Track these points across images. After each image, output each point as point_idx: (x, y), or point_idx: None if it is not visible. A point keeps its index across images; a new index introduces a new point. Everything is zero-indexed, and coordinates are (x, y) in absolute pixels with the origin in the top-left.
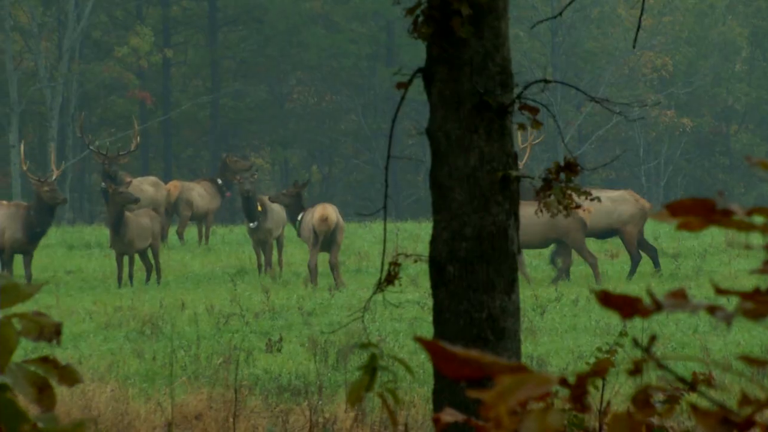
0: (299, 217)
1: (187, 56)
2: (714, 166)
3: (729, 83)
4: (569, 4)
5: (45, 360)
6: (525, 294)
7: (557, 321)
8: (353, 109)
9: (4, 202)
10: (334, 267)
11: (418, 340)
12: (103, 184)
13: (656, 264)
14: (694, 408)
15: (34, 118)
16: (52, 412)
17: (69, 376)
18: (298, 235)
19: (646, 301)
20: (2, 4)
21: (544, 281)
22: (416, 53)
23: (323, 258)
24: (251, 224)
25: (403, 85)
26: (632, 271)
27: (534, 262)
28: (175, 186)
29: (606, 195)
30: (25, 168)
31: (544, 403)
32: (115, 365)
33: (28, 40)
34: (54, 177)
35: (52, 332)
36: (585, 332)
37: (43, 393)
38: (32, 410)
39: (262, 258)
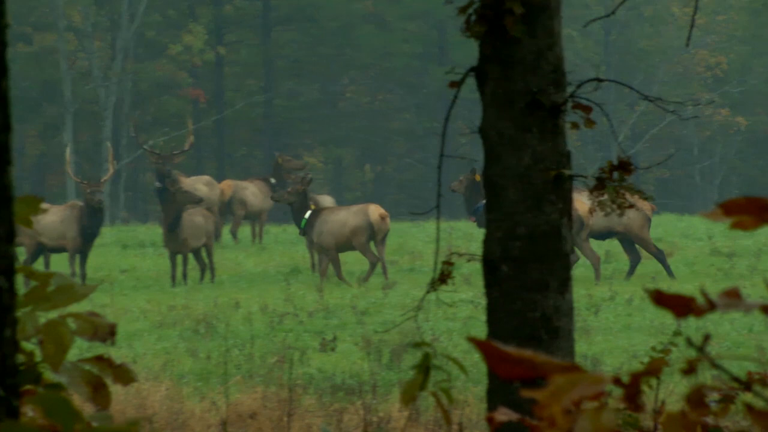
0: (306, 216)
1: (240, 55)
2: None
3: None
4: (622, 2)
5: (100, 359)
6: (579, 293)
7: (611, 320)
8: (406, 108)
9: (58, 206)
10: (383, 263)
11: (471, 340)
12: (157, 183)
13: (631, 272)
14: (749, 408)
15: (88, 117)
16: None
17: (123, 374)
18: (302, 234)
19: (700, 300)
20: (56, 3)
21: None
22: (469, 52)
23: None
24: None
25: (456, 84)
26: (668, 271)
27: (588, 261)
28: (228, 185)
29: None
30: (69, 170)
31: (598, 402)
32: (169, 364)
33: (82, 40)
34: (107, 176)
35: (106, 333)
36: (639, 331)
37: (98, 392)
38: (87, 409)
39: (316, 257)
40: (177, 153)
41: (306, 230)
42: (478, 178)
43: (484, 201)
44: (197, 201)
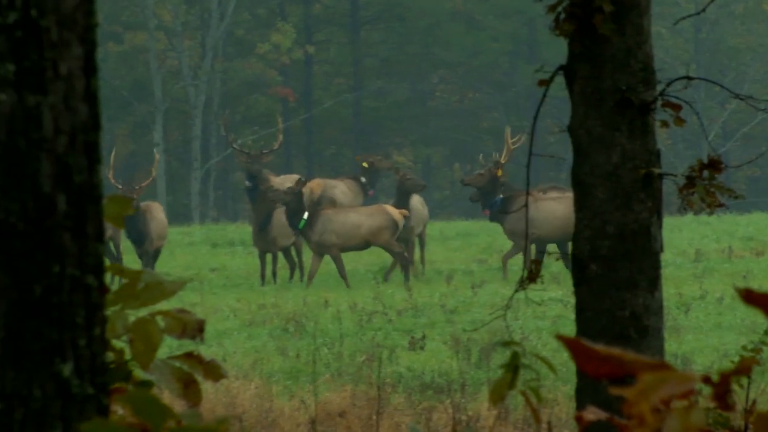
0: (304, 216)
1: (329, 54)
2: None
3: None
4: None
5: (189, 356)
6: (669, 292)
7: (702, 319)
8: (495, 107)
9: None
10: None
11: (560, 338)
12: (246, 182)
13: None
14: None
15: (178, 116)
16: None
17: (214, 371)
18: (298, 234)
19: None
20: (146, 3)
21: (688, 279)
22: (558, 50)
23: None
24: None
25: (545, 83)
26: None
27: (678, 260)
28: (317, 184)
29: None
30: (110, 175)
31: (688, 401)
32: (259, 362)
33: (171, 39)
34: (146, 183)
35: (194, 329)
36: (730, 330)
37: (189, 388)
38: (177, 407)
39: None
40: (266, 152)
41: (304, 230)
42: (500, 173)
43: (501, 196)
44: (285, 200)
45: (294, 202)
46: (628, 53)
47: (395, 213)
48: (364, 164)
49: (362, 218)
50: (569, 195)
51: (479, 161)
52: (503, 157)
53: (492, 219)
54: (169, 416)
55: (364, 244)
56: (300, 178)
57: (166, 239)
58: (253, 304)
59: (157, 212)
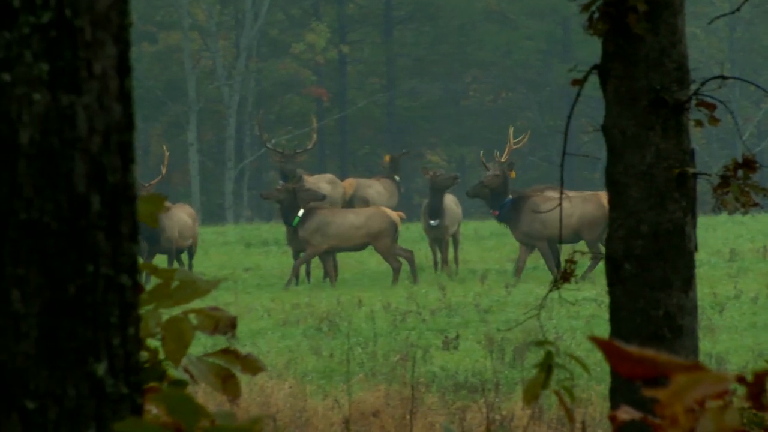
0: (299, 214)
1: (362, 54)
2: None
3: None
4: None
5: (226, 351)
6: (703, 291)
7: (736, 318)
8: (528, 106)
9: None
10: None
11: (593, 339)
12: (281, 182)
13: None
14: None
15: (212, 116)
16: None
17: (251, 365)
18: (293, 231)
19: None
20: (181, 3)
21: (722, 279)
22: (592, 49)
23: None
24: (432, 222)
25: (579, 82)
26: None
27: (712, 260)
28: (351, 183)
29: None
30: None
31: (722, 401)
32: (292, 362)
33: (206, 39)
34: (156, 181)
35: (227, 326)
36: (765, 330)
37: (227, 382)
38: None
39: (438, 255)
40: (300, 151)
41: (296, 227)
42: (513, 174)
43: (511, 197)
44: (320, 199)
45: (288, 200)
46: (662, 52)
47: (393, 215)
48: (386, 158)
49: (361, 220)
50: (573, 195)
51: (481, 159)
52: (504, 156)
53: (501, 220)
54: (202, 415)
55: (362, 246)
56: (295, 175)
57: (193, 239)
58: (287, 303)
59: (178, 212)
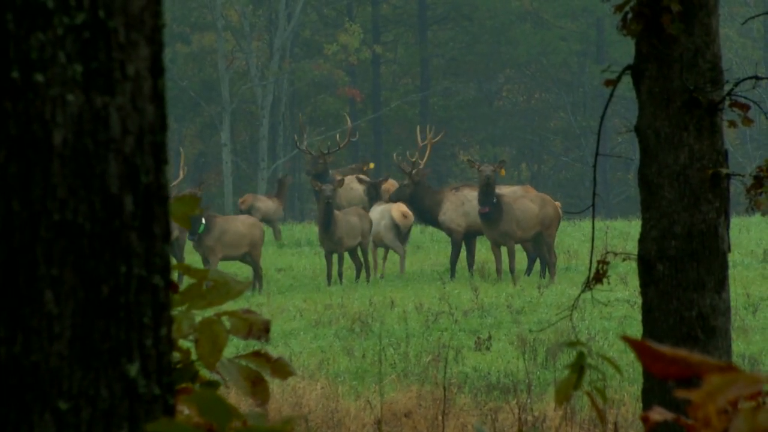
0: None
1: (396, 54)
2: None
3: None
4: None
5: (257, 354)
6: (736, 292)
7: None
8: (562, 107)
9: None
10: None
11: (626, 339)
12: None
13: (541, 272)
14: None
15: (246, 117)
16: (263, 409)
17: (281, 369)
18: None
19: None
20: (215, 4)
21: (756, 279)
22: (626, 50)
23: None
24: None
25: (612, 83)
26: (542, 273)
27: (746, 260)
28: (391, 185)
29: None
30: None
31: (755, 402)
32: (325, 363)
33: (239, 40)
34: (176, 182)
35: (260, 330)
36: None
37: (257, 386)
38: (243, 407)
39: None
40: (328, 152)
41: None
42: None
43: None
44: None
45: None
46: (696, 53)
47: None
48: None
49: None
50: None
51: (394, 160)
52: (419, 156)
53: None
54: (234, 416)
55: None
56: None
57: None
58: (319, 304)
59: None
